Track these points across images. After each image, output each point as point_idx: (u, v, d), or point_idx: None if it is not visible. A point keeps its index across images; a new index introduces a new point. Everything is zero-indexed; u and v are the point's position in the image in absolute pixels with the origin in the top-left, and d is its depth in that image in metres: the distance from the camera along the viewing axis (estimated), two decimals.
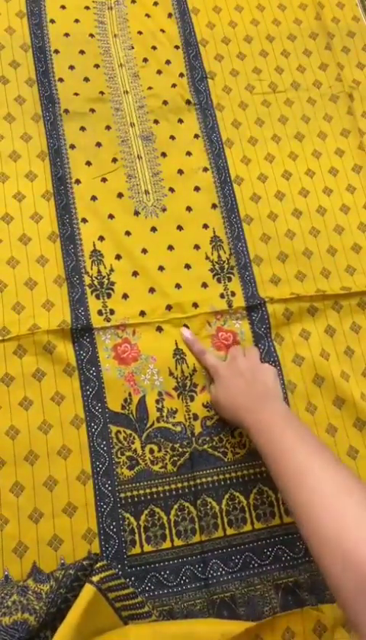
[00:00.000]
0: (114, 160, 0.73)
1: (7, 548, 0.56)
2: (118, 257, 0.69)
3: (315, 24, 0.84)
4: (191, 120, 0.76)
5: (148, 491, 0.60)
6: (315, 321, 0.68)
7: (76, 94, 0.75)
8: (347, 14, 0.85)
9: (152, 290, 0.68)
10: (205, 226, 0.72)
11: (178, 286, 0.68)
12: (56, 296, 0.66)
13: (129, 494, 0.59)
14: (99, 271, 0.68)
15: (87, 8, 0.80)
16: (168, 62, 0.79)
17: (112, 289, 0.67)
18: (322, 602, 0.57)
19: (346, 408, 0.65)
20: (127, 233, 0.70)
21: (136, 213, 0.71)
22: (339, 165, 0.76)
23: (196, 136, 0.76)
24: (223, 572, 0.58)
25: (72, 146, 0.73)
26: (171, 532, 0.59)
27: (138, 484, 0.60)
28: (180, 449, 0.61)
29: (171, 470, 0.61)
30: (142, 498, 0.59)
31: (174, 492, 0.60)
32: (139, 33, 0.80)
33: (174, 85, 0.78)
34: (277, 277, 0.70)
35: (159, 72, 0.78)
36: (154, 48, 0.79)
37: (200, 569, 0.58)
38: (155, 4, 0.82)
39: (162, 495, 0.60)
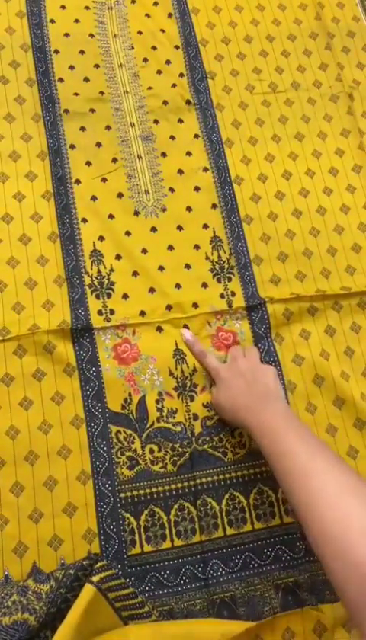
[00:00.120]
0: (114, 160, 0.73)
1: (7, 548, 0.56)
2: (118, 257, 0.69)
3: (315, 24, 0.84)
4: (191, 120, 0.76)
5: (148, 491, 0.60)
6: (315, 321, 0.68)
7: (76, 94, 0.75)
8: (347, 14, 0.85)
9: (152, 290, 0.68)
10: (205, 226, 0.72)
11: (178, 286, 0.68)
12: (56, 295, 0.66)
13: (129, 494, 0.59)
14: (99, 271, 0.68)
15: (87, 8, 0.80)
16: (168, 62, 0.79)
17: (112, 289, 0.67)
18: (322, 602, 0.57)
19: (346, 407, 0.65)
20: (127, 233, 0.70)
21: (136, 213, 0.71)
22: (339, 165, 0.76)
23: (196, 136, 0.76)
24: (223, 572, 0.58)
25: (72, 146, 0.73)
26: (171, 532, 0.59)
27: (138, 484, 0.60)
28: (180, 449, 0.61)
29: (171, 470, 0.61)
30: (142, 498, 0.59)
31: (174, 492, 0.60)
32: (139, 33, 0.80)
33: (174, 85, 0.78)
34: (277, 277, 0.70)
35: (159, 72, 0.78)
36: (154, 48, 0.79)
37: (200, 569, 0.58)
38: (155, 4, 0.82)
39: (162, 495, 0.60)
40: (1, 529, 0.57)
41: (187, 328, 0.66)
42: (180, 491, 0.60)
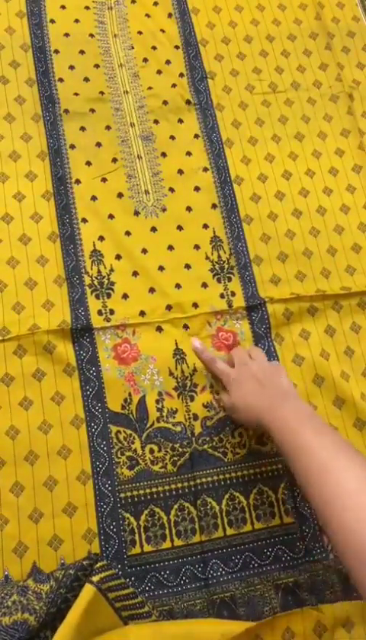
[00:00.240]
0: (114, 160, 0.73)
1: (7, 548, 0.56)
2: (118, 257, 0.69)
3: (315, 24, 0.84)
4: (191, 120, 0.76)
5: (148, 491, 0.60)
6: (315, 321, 0.68)
7: (76, 94, 0.75)
8: (347, 14, 0.85)
9: (152, 290, 0.68)
10: (205, 226, 0.72)
11: (178, 286, 0.68)
12: (56, 295, 0.66)
13: (129, 494, 0.59)
14: (99, 271, 0.68)
15: (87, 8, 0.80)
16: (168, 62, 0.79)
17: (112, 289, 0.67)
18: (322, 602, 0.57)
19: (346, 407, 0.65)
20: (127, 233, 0.70)
21: (136, 213, 0.71)
22: (339, 165, 0.76)
23: (196, 136, 0.76)
24: (223, 572, 0.58)
25: (72, 146, 0.73)
26: (171, 532, 0.59)
27: (138, 484, 0.60)
28: (180, 449, 0.61)
29: (171, 470, 0.61)
30: (142, 498, 0.59)
31: (174, 492, 0.60)
32: (139, 33, 0.80)
33: (174, 85, 0.78)
34: (277, 277, 0.70)
35: (159, 72, 0.78)
36: (154, 48, 0.79)
37: (200, 569, 0.58)
38: (155, 4, 0.82)
39: (162, 495, 0.60)
40: (1, 529, 0.57)
41: (188, 327, 0.66)
42: (180, 491, 0.60)
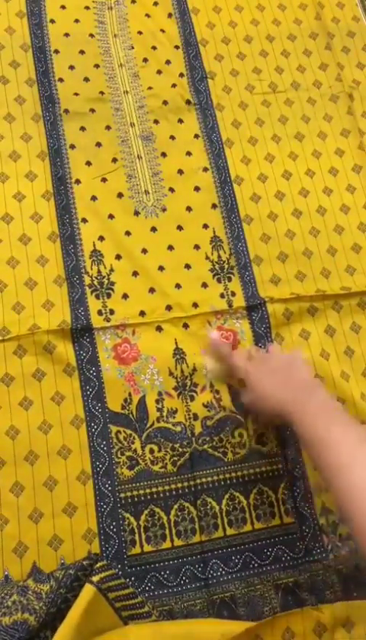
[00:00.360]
0: (114, 160, 0.73)
1: (7, 548, 0.56)
2: (118, 257, 0.69)
3: (315, 24, 0.84)
4: (191, 120, 0.76)
5: (148, 491, 0.60)
6: (315, 321, 0.68)
7: (76, 94, 0.75)
8: (347, 14, 0.85)
9: (152, 290, 0.68)
10: (205, 226, 0.72)
11: (178, 286, 0.68)
12: (56, 296, 0.66)
13: (129, 494, 0.59)
14: (99, 271, 0.68)
15: (87, 8, 0.80)
16: (168, 62, 0.79)
17: (112, 289, 0.67)
18: (322, 602, 0.57)
19: (346, 408, 0.65)
20: (127, 233, 0.70)
21: (136, 213, 0.71)
22: (339, 165, 0.76)
23: (196, 136, 0.76)
24: (223, 572, 0.58)
25: (72, 146, 0.73)
26: (171, 532, 0.59)
27: (138, 484, 0.60)
28: (180, 449, 0.61)
29: (171, 470, 0.61)
30: (142, 498, 0.59)
31: (174, 492, 0.60)
32: (139, 33, 0.80)
33: (174, 85, 0.78)
34: (277, 277, 0.70)
35: (159, 72, 0.78)
36: (154, 48, 0.79)
37: (200, 569, 0.58)
38: (155, 4, 0.82)
39: (162, 495, 0.60)
40: (1, 529, 0.57)
41: (187, 327, 0.66)
42: (180, 491, 0.60)
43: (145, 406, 0.63)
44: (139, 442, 0.61)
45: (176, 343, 0.65)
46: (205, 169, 0.74)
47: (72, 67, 0.77)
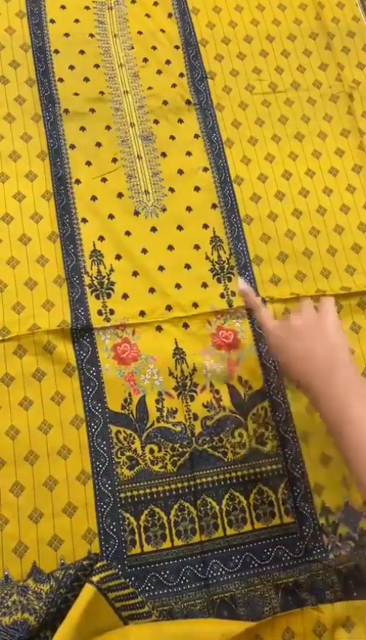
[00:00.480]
0: (114, 160, 0.73)
1: (7, 548, 0.56)
2: (118, 257, 0.69)
3: (315, 24, 0.84)
4: (191, 120, 0.76)
5: (148, 491, 0.60)
6: None
7: (76, 94, 0.75)
8: (347, 14, 0.85)
9: (152, 290, 0.68)
10: (205, 226, 0.72)
11: (178, 286, 0.68)
12: (56, 296, 0.66)
13: (129, 494, 0.59)
14: (99, 271, 0.68)
15: (87, 7, 0.80)
16: (168, 62, 0.79)
17: (112, 289, 0.67)
18: (322, 602, 0.57)
19: None
20: (127, 233, 0.70)
21: (136, 213, 0.71)
22: (339, 165, 0.76)
23: (196, 136, 0.76)
24: (223, 572, 0.58)
25: (72, 146, 0.73)
26: (171, 532, 0.59)
27: (138, 484, 0.60)
28: (180, 449, 0.61)
29: (171, 470, 0.61)
30: (142, 498, 0.59)
31: (174, 492, 0.60)
32: (139, 33, 0.80)
33: (174, 85, 0.78)
34: (277, 277, 0.70)
35: (159, 71, 0.78)
36: (154, 48, 0.79)
37: (200, 569, 0.58)
38: (155, 4, 0.82)
39: (162, 495, 0.60)
40: (1, 529, 0.57)
41: (187, 326, 0.66)
42: (180, 491, 0.60)
43: (145, 406, 0.63)
44: (139, 442, 0.61)
45: (176, 343, 0.65)
46: (205, 169, 0.74)
47: (72, 67, 0.77)
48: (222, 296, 0.68)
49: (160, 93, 0.77)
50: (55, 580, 0.52)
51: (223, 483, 0.61)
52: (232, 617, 0.56)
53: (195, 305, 0.67)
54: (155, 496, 0.60)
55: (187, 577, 0.57)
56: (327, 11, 0.84)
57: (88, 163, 0.72)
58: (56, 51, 0.77)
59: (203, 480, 0.61)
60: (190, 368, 0.64)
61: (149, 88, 0.77)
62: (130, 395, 0.63)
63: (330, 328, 0.53)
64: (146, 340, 0.65)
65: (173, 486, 0.60)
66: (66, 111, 0.74)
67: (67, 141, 0.73)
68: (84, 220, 0.70)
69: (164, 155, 0.74)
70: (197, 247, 0.70)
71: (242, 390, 0.64)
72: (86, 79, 0.76)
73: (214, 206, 0.73)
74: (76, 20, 0.79)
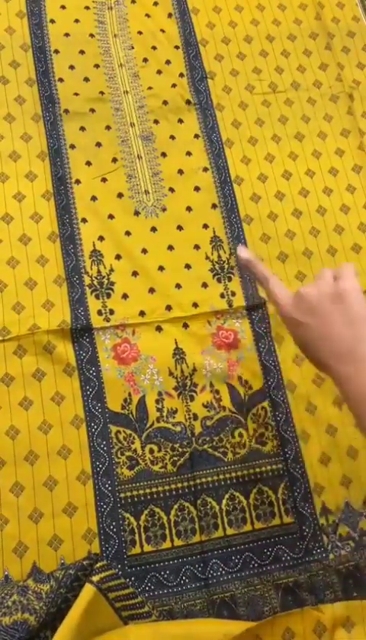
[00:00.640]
0: (114, 160, 0.73)
1: (7, 548, 0.56)
2: (118, 257, 0.69)
3: (315, 24, 0.84)
4: (191, 120, 0.76)
5: (148, 491, 0.60)
6: None
7: (76, 94, 0.75)
8: (347, 14, 0.85)
9: (152, 290, 0.68)
10: (205, 226, 0.72)
11: (178, 286, 0.68)
12: (56, 295, 0.66)
13: (129, 494, 0.59)
14: (99, 271, 0.68)
15: (87, 8, 0.80)
16: (168, 62, 0.79)
17: (112, 289, 0.67)
18: (322, 602, 0.57)
19: (346, 408, 0.65)
20: (127, 233, 0.70)
21: (136, 213, 0.71)
22: (339, 165, 0.76)
23: (196, 136, 0.76)
24: (223, 572, 0.58)
25: (72, 146, 0.73)
26: (171, 532, 0.59)
27: (138, 484, 0.60)
28: (180, 449, 0.61)
29: (171, 470, 0.61)
30: (142, 498, 0.59)
31: (174, 492, 0.60)
32: (139, 33, 0.80)
33: (174, 85, 0.78)
34: (278, 277, 0.70)
35: (159, 71, 0.78)
36: (154, 48, 0.79)
37: (200, 569, 0.58)
38: (155, 4, 0.82)
39: (162, 495, 0.60)
40: (1, 529, 0.57)
41: (187, 326, 0.66)
42: (180, 491, 0.60)
43: (145, 406, 0.63)
44: (139, 442, 0.61)
45: (176, 343, 0.65)
46: (205, 169, 0.74)
47: (72, 67, 0.77)
48: (222, 295, 0.68)
49: (160, 93, 0.77)
50: (55, 580, 0.52)
51: (223, 483, 0.61)
52: (232, 617, 0.56)
53: (195, 305, 0.67)
54: (155, 496, 0.60)
55: (187, 577, 0.57)
56: (327, 11, 0.84)
57: (88, 163, 0.72)
58: (56, 51, 0.77)
59: (203, 480, 0.61)
60: (190, 368, 0.64)
61: (149, 88, 0.77)
62: (129, 395, 0.63)
63: (350, 297, 0.43)
64: (146, 340, 0.65)
65: (173, 486, 0.60)
66: (66, 111, 0.74)
67: (67, 141, 0.73)
68: (84, 220, 0.70)
69: (164, 155, 0.74)
70: (197, 247, 0.70)
71: (242, 390, 0.64)
72: (86, 79, 0.76)
73: (214, 206, 0.73)
74: (76, 20, 0.79)
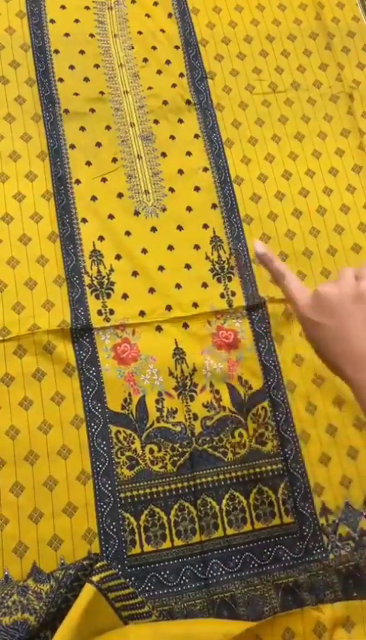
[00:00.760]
0: (114, 160, 0.73)
1: (7, 548, 0.56)
2: (118, 257, 0.69)
3: (315, 24, 0.84)
4: (191, 120, 0.76)
5: (148, 491, 0.60)
6: None
7: (76, 94, 0.75)
8: (347, 14, 0.85)
9: (151, 290, 0.68)
10: (205, 226, 0.72)
11: (178, 286, 0.68)
12: (56, 296, 0.66)
13: (129, 494, 0.59)
14: (99, 271, 0.68)
15: (87, 8, 0.80)
16: (168, 62, 0.79)
17: (112, 289, 0.67)
18: (322, 602, 0.57)
19: (346, 408, 0.65)
20: (127, 233, 0.70)
21: (136, 213, 0.71)
22: (339, 165, 0.76)
23: (196, 136, 0.76)
24: (223, 572, 0.58)
25: (72, 146, 0.73)
26: (171, 532, 0.59)
27: (138, 484, 0.60)
28: (180, 449, 0.61)
29: (171, 470, 0.61)
30: (142, 498, 0.59)
31: (174, 492, 0.60)
32: (139, 33, 0.80)
33: (174, 85, 0.78)
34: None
35: (159, 72, 0.78)
36: (154, 48, 0.79)
37: (200, 569, 0.58)
38: (155, 4, 0.82)
39: (162, 495, 0.60)
40: (1, 529, 0.57)
41: (187, 326, 0.66)
42: (180, 491, 0.60)
43: (145, 406, 0.63)
44: (139, 442, 0.61)
45: (176, 343, 0.65)
46: (205, 169, 0.74)
47: (72, 67, 0.77)
48: (222, 295, 0.68)
49: (160, 93, 0.77)
50: (55, 580, 0.52)
51: (223, 483, 0.61)
52: (232, 617, 0.56)
53: (195, 305, 0.67)
54: (155, 496, 0.60)
55: (187, 577, 0.57)
56: (327, 11, 0.84)
57: (88, 163, 0.72)
58: (56, 51, 0.77)
59: (203, 480, 0.61)
60: (190, 368, 0.64)
61: (149, 88, 0.77)
62: (129, 395, 0.63)
63: None
64: (146, 340, 0.65)
65: (173, 486, 0.60)
66: (66, 111, 0.74)
67: (67, 141, 0.73)
68: (84, 220, 0.70)
69: (164, 155, 0.74)
70: (197, 247, 0.70)
71: (242, 390, 0.64)
72: (86, 79, 0.76)
73: (214, 206, 0.73)
74: (76, 20, 0.79)
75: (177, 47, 0.80)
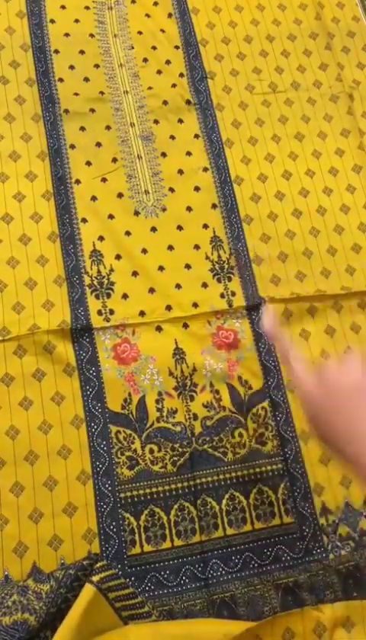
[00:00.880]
0: (114, 160, 0.73)
1: (7, 548, 0.56)
2: (118, 257, 0.69)
3: (315, 24, 0.84)
4: (191, 120, 0.76)
5: (148, 491, 0.60)
6: (315, 321, 0.68)
7: (76, 94, 0.75)
8: (347, 14, 0.85)
9: (151, 290, 0.68)
10: (205, 226, 0.72)
11: (178, 286, 0.68)
12: (56, 296, 0.66)
13: (129, 494, 0.59)
14: (99, 271, 0.68)
15: (87, 8, 0.80)
16: (168, 62, 0.79)
17: (112, 289, 0.67)
18: (322, 602, 0.57)
19: None
20: (127, 233, 0.70)
21: (136, 213, 0.71)
22: (339, 165, 0.76)
23: (196, 136, 0.76)
24: (223, 572, 0.58)
25: (72, 146, 0.73)
26: (171, 532, 0.59)
27: (138, 484, 0.60)
28: (180, 449, 0.61)
29: (171, 470, 0.61)
30: (142, 498, 0.59)
31: (174, 492, 0.60)
32: (139, 33, 0.80)
33: (174, 85, 0.78)
34: (277, 277, 0.70)
35: (159, 72, 0.78)
36: (154, 48, 0.79)
37: (200, 569, 0.58)
38: (155, 4, 0.82)
39: (162, 495, 0.60)
40: (1, 529, 0.57)
41: (187, 326, 0.66)
42: (180, 491, 0.60)
43: (145, 406, 0.63)
44: (139, 442, 0.61)
45: (176, 343, 0.65)
46: (205, 169, 0.74)
47: (72, 67, 0.77)
48: (222, 295, 0.68)
49: (160, 93, 0.77)
50: (55, 580, 0.52)
51: (223, 483, 0.61)
52: (232, 617, 0.56)
53: (195, 305, 0.67)
54: (155, 496, 0.60)
55: (187, 577, 0.57)
56: (327, 11, 0.84)
57: (88, 163, 0.72)
58: (56, 51, 0.77)
59: (203, 480, 0.61)
60: (190, 368, 0.64)
61: (149, 88, 0.77)
62: (129, 395, 0.63)
63: None
64: (146, 340, 0.65)
65: (173, 486, 0.60)
66: (66, 111, 0.74)
67: (67, 141, 0.73)
68: (84, 220, 0.70)
69: (164, 155, 0.74)
70: (197, 247, 0.70)
71: (242, 390, 0.64)
72: (86, 79, 0.76)
73: (214, 206, 0.73)
74: (76, 20, 0.79)
75: (177, 47, 0.80)
